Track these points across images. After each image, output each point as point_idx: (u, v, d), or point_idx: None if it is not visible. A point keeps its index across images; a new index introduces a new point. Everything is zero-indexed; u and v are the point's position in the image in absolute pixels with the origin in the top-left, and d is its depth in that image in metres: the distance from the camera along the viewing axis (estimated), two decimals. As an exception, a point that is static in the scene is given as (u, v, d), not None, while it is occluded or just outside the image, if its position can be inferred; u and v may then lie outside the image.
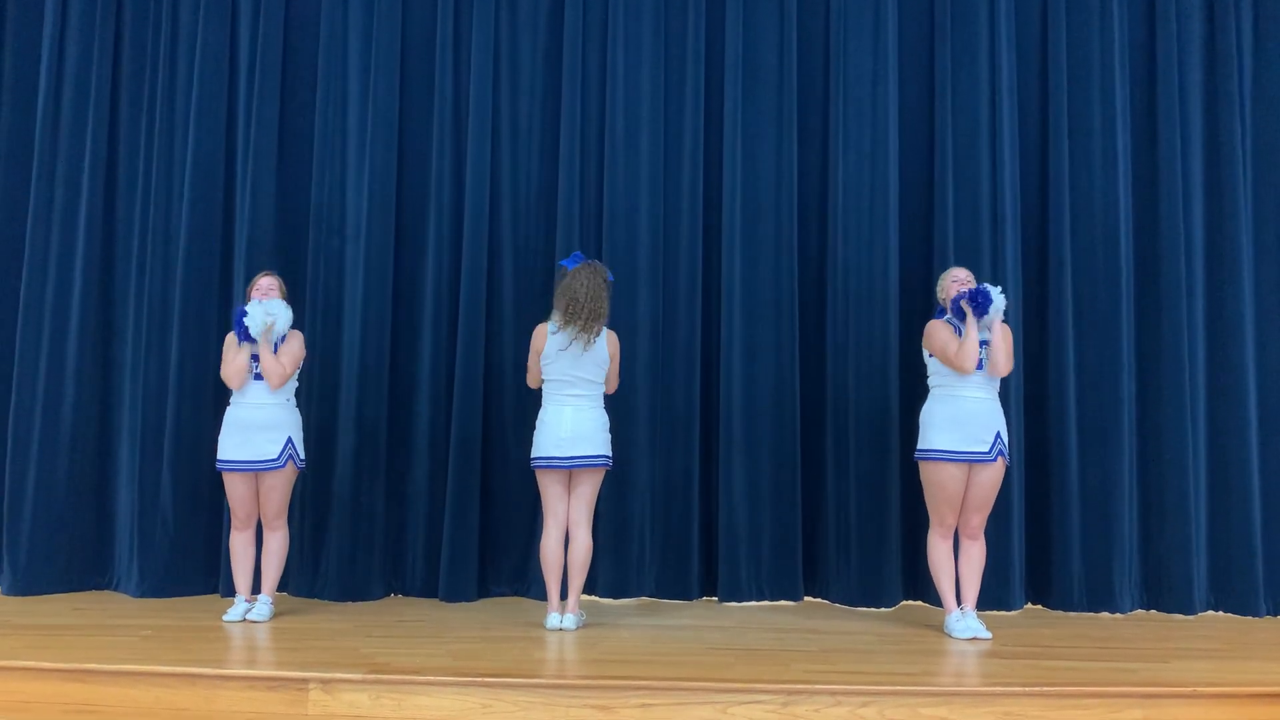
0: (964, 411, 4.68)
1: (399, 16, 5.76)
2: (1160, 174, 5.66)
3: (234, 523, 4.96)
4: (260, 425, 4.84)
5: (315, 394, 5.55)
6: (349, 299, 5.60)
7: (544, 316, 5.59)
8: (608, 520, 5.49)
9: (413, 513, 5.58)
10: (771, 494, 5.53)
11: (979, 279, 5.49)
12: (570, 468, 4.74)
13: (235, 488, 4.88)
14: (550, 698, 3.68)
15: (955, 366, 4.70)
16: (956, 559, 4.82)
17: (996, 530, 5.37)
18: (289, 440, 4.87)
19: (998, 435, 4.69)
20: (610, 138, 5.71)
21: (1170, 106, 5.67)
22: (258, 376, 4.87)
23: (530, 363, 4.91)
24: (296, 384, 5.06)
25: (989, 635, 4.66)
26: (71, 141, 5.75)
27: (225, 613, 4.88)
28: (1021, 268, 5.62)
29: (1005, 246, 5.57)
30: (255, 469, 4.83)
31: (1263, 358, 5.64)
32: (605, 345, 4.82)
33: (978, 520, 4.77)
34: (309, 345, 5.50)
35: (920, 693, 3.71)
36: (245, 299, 5.07)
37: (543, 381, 4.86)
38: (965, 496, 4.73)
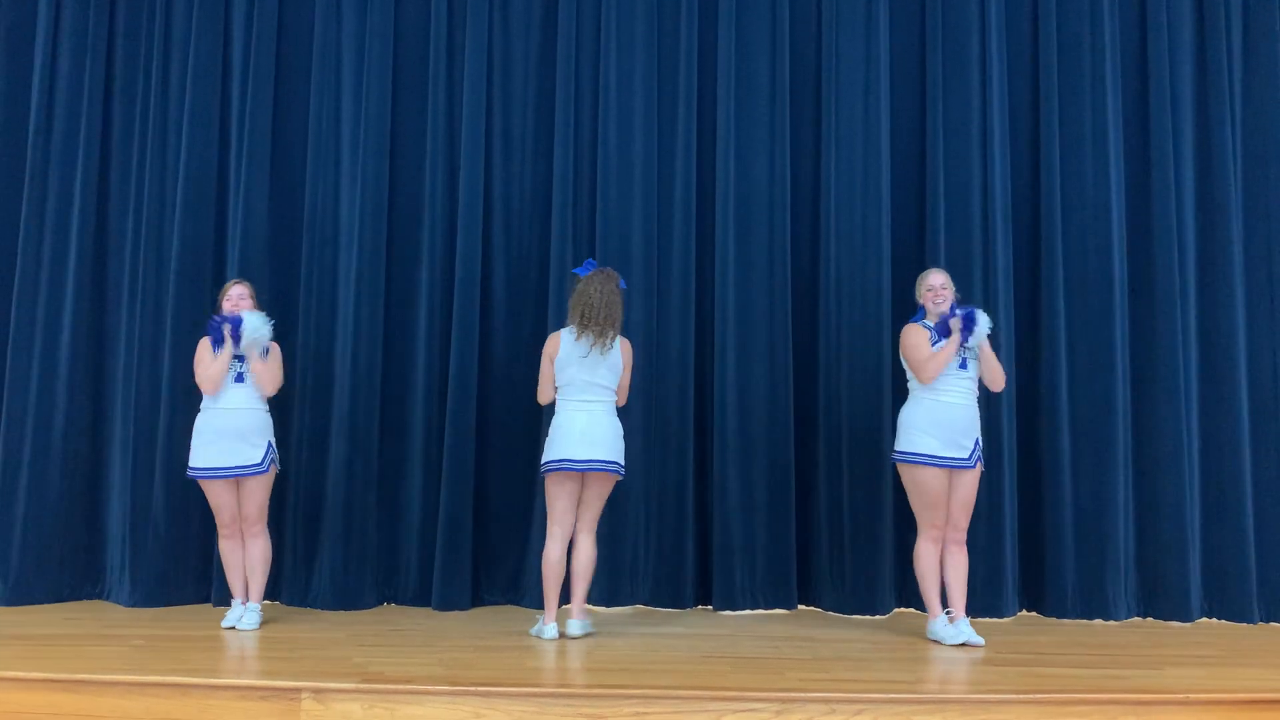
0: (947, 416, 4.69)
1: (392, 25, 5.76)
2: (1153, 182, 5.68)
3: (221, 530, 4.95)
4: (243, 430, 4.84)
5: (308, 402, 5.54)
6: (342, 308, 5.59)
7: (537, 324, 5.61)
8: (601, 528, 5.47)
9: (406, 521, 5.57)
10: (765, 502, 5.53)
11: (970, 286, 5.53)
12: (584, 470, 4.67)
13: (218, 495, 4.87)
14: (543, 706, 3.67)
15: (917, 372, 4.72)
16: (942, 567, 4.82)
17: (989, 536, 5.39)
18: (269, 444, 4.92)
19: (976, 442, 4.72)
20: (603, 147, 5.71)
21: (1162, 114, 5.69)
22: (238, 379, 4.87)
23: (543, 370, 4.81)
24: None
25: (981, 641, 4.66)
26: (64, 150, 5.74)
27: (224, 618, 4.90)
28: (1014, 275, 5.64)
29: (997, 254, 5.58)
30: (239, 474, 4.83)
31: (1254, 364, 5.66)
32: (620, 352, 4.80)
33: (961, 527, 4.77)
34: (303, 353, 5.54)
35: (914, 700, 3.71)
36: (217, 307, 5.07)
37: (556, 389, 4.80)
38: (949, 503, 4.73)
